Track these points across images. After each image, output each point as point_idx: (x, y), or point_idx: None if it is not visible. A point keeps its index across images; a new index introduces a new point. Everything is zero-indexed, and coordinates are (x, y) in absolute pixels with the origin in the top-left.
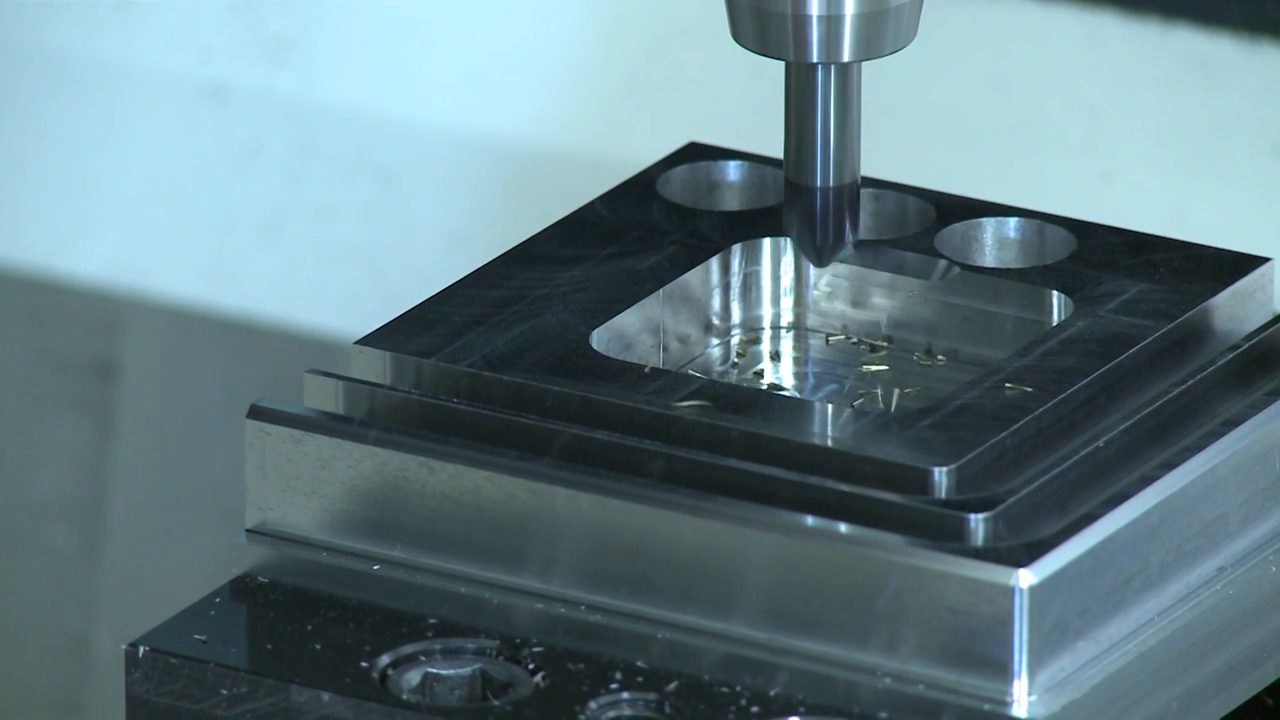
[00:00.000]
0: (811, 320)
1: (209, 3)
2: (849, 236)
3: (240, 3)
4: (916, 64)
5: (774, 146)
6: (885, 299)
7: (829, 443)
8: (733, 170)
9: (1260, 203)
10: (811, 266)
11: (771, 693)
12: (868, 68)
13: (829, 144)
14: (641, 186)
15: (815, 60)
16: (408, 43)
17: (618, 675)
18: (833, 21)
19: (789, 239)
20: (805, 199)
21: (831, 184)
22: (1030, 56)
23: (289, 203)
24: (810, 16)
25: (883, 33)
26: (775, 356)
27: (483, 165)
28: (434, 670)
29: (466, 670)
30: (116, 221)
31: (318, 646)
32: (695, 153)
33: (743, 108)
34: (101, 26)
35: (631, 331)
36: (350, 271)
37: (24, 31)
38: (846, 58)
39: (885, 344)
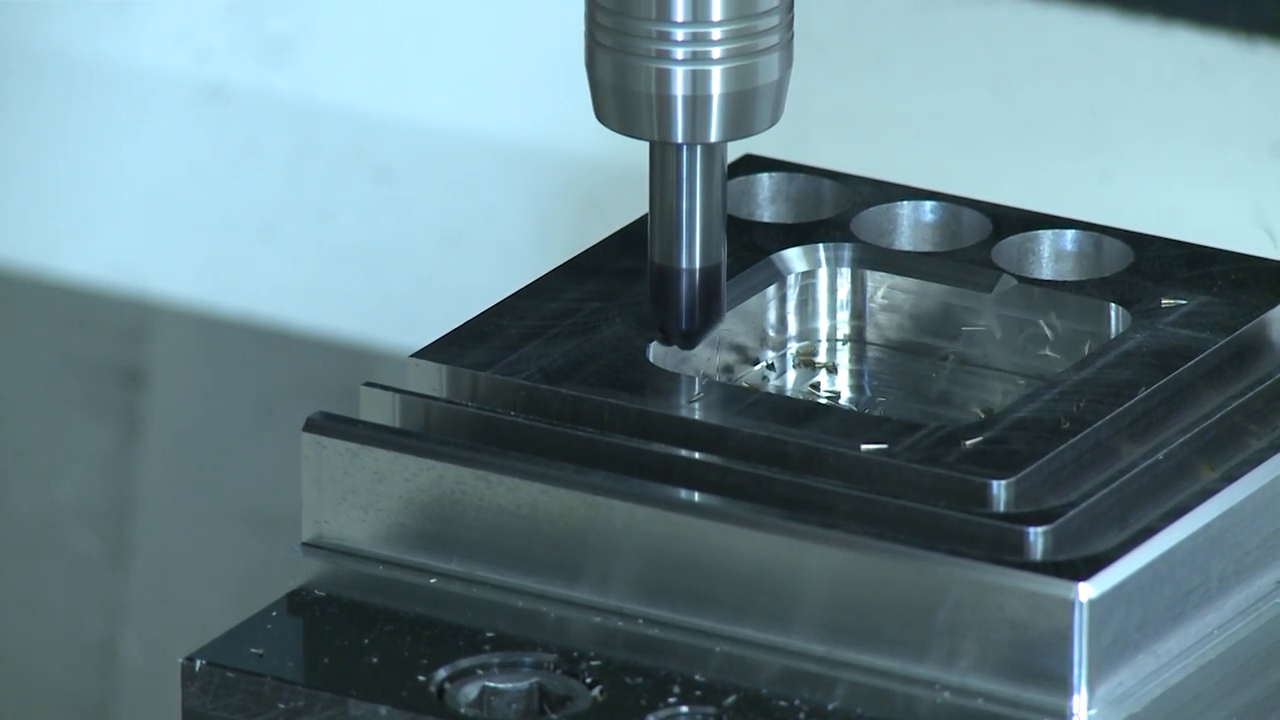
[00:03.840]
0: (869, 333)
1: (207, 3)
2: (715, 319)
3: (239, 3)
4: (915, 64)
5: (788, 150)
6: (943, 311)
7: (887, 456)
8: (788, 182)
9: (1259, 203)
10: (869, 276)
11: (830, 706)
12: (866, 67)
13: (694, 225)
14: None
15: (681, 141)
16: (406, 43)
17: (676, 689)
18: (699, 101)
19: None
20: (671, 281)
21: (698, 265)
22: (1028, 57)
23: (288, 203)
24: (675, 96)
25: (751, 112)
26: (832, 369)
27: (482, 165)
28: (491, 684)
29: (524, 684)
30: (115, 221)
31: (374, 660)
32: (750, 164)
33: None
34: (100, 27)
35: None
36: (349, 271)
37: (23, 31)
38: (714, 138)
39: (943, 357)
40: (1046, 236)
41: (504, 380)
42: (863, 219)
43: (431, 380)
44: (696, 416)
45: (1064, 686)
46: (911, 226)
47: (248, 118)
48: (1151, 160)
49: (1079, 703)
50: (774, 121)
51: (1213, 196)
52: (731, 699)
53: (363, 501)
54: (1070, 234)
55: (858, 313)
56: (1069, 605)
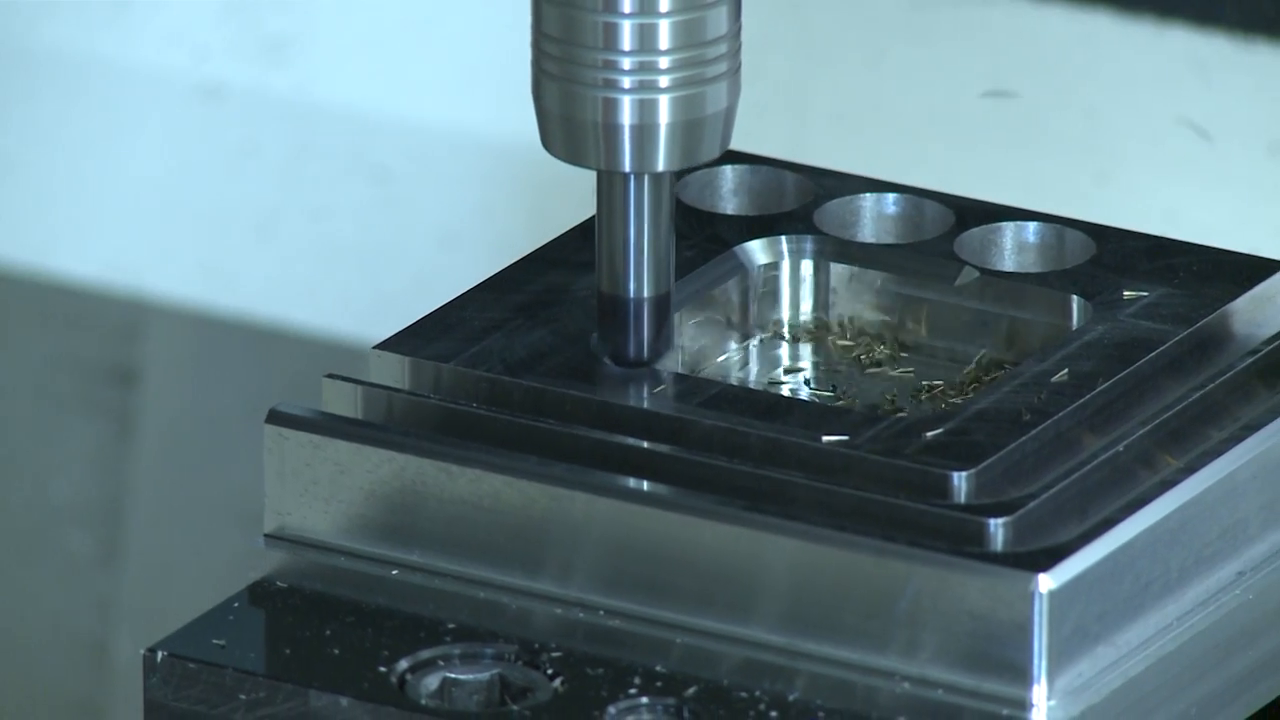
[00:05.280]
0: (831, 324)
1: (205, 3)
2: (665, 347)
3: (236, 3)
4: (912, 64)
5: (772, 147)
6: (905, 303)
7: (848, 447)
8: (751, 174)
9: (1256, 202)
10: (832, 269)
11: (790, 697)
12: (864, 66)
13: (643, 254)
14: None
15: (628, 170)
16: (404, 43)
17: (636, 680)
18: (646, 130)
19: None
20: (619, 311)
21: (646, 295)
22: (1025, 56)
23: (285, 202)
24: (622, 126)
25: (699, 141)
26: (794, 360)
27: (479, 165)
28: (452, 675)
29: (485, 675)
30: (113, 221)
31: (336, 651)
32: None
33: (741, 108)
34: (98, 26)
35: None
36: (346, 271)
37: (21, 31)
38: (661, 167)
39: (904, 348)
40: (1009, 228)
41: (466, 372)
42: (825, 211)
43: (394, 372)
44: (658, 408)
45: (1024, 677)
46: (874, 219)
47: (245, 117)
48: (1148, 160)
49: (1038, 693)
50: (723, 149)
51: (1210, 196)
52: (692, 690)
53: (325, 493)
54: (1032, 226)
55: (820, 305)
56: (1029, 596)
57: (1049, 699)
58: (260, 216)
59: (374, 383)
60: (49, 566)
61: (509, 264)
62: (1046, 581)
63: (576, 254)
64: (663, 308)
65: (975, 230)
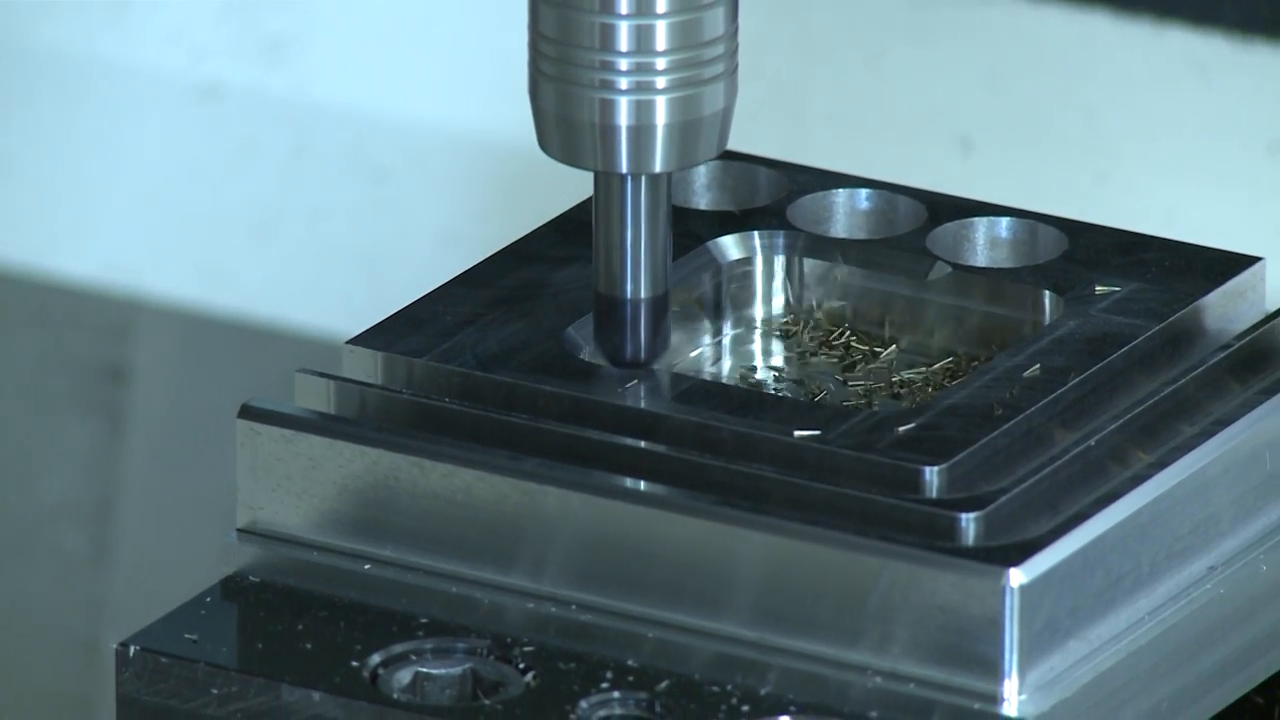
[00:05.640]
0: (803, 319)
1: (204, 3)
2: (662, 348)
3: (235, 3)
4: (911, 64)
5: (770, 147)
6: (877, 298)
7: (820, 442)
8: (724, 169)
9: (1254, 202)
10: (805, 264)
11: (762, 692)
12: (862, 65)
13: (639, 256)
14: None
15: (625, 171)
16: (402, 43)
17: (608, 674)
18: (642, 132)
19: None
20: (616, 312)
21: (643, 296)
22: (1024, 57)
23: (283, 202)
24: (619, 127)
25: (696, 141)
26: (766, 355)
27: (477, 165)
28: (425, 669)
29: (457, 669)
30: (111, 221)
31: (308, 646)
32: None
33: (739, 109)
34: (98, 26)
35: None
36: (344, 271)
37: (20, 31)
38: (658, 169)
39: (877, 343)
40: (981, 224)
41: (439, 367)
42: (799, 206)
43: (367, 367)
44: (630, 403)
45: (995, 672)
46: (847, 214)
47: (243, 117)
48: (1147, 160)
49: (1010, 688)
50: (720, 150)
51: (1208, 196)
52: (664, 684)
53: (297, 488)
54: (1005, 221)
55: (793, 300)
56: (1000, 591)
57: (1020, 693)
58: (259, 216)
59: (347, 378)
60: (39, 564)
61: (481, 259)
62: (1018, 576)
63: (549, 249)
64: (660, 308)
65: (948, 225)
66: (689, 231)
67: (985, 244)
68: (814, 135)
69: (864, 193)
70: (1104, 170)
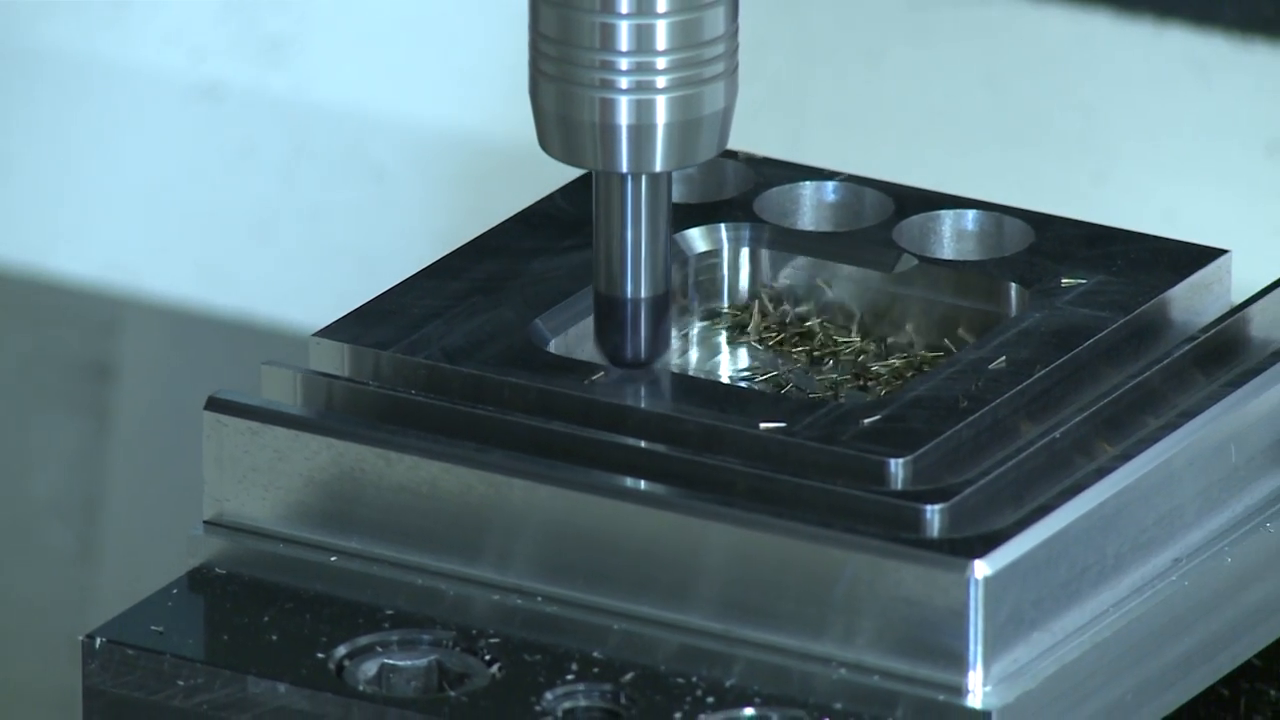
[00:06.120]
0: (769, 311)
1: (203, 3)
2: (662, 347)
3: (235, 3)
4: (910, 64)
5: (770, 147)
6: (843, 291)
7: (785, 434)
8: None
9: (1254, 202)
10: (770, 256)
11: (727, 683)
12: (862, 64)
13: (640, 255)
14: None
15: (625, 171)
16: (401, 42)
17: (574, 666)
18: (643, 131)
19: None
20: (616, 312)
21: (643, 295)
22: (1024, 56)
23: (282, 202)
24: (619, 126)
25: (696, 141)
26: (733, 348)
27: (476, 165)
28: (390, 661)
29: (423, 661)
30: (111, 221)
31: (274, 637)
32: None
33: (739, 108)
34: (97, 26)
35: (589, 324)
36: (343, 271)
37: (19, 31)
38: (658, 168)
39: (843, 335)
40: (948, 216)
41: (405, 359)
42: (765, 199)
43: (333, 359)
44: (596, 396)
45: (959, 663)
46: (814, 206)
47: (243, 117)
48: (1146, 159)
49: (974, 679)
50: (719, 150)
51: (1208, 196)
52: (629, 676)
53: (263, 480)
54: (971, 214)
55: (759, 292)
56: (964, 583)
57: (984, 685)
58: (258, 216)
59: (313, 370)
60: (27, 561)
61: (448, 251)
62: (982, 568)
63: (516, 241)
64: (660, 308)
65: (914, 218)
66: None
67: (952, 236)
68: (814, 135)
69: (830, 185)
70: (1103, 170)
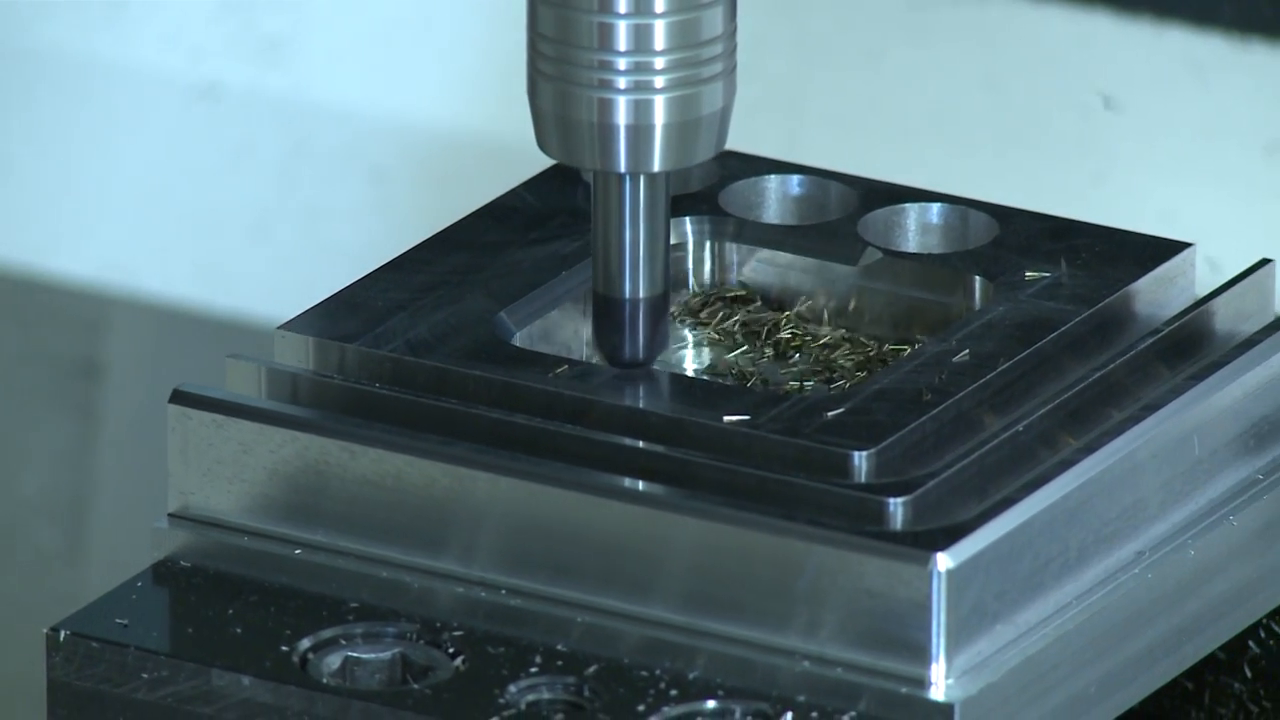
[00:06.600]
0: (734, 305)
1: (201, 3)
2: (660, 347)
3: (233, 3)
4: (909, 64)
5: (768, 147)
6: (808, 284)
7: (749, 427)
8: None
9: (1252, 202)
10: (736, 250)
11: (690, 676)
12: (861, 64)
13: (638, 255)
14: (565, 172)
15: (623, 171)
16: (399, 43)
17: (537, 659)
18: (641, 131)
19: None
20: (614, 312)
21: (642, 295)
22: (1023, 56)
23: (280, 202)
24: (617, 126)
25: (694, 141)
26: (697, 341)
27: (474, 165)
28: (354, 654)
29: (387, 654)
30: (108, 221)
31: (238, 630)
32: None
33: (737, 108)
34: (95, 26)
35: (554, 317)
36: (341, 271)
37: (17, 31)
38: (656, 168)
39: (807, 329)
40: (912, 210)
41: (370, 352)
42: (730, 192)
43: (298, 352)
44: (560, 389)
45: (923, 656)
46: (779, 200)
47: (241, 117)
48: (1145, 160)
49: (937, 672)
50: (718, 150)
51: (1207, 196)
52: (593, 669)
53: (228, 473)
54: (936, 207)
55: (724, 285)
56: (927, 575)
57: (947, 677)
58: (256, 216)
59: (278, 363)
60: (15, 560)
61: (413, 245)
62: (945, 560)
63: (481, 235)
64: (658, 308)
65: (879, 211)
66: None
67: (916, 230)
68: (812, 135)
69: (796, 179)
70: (1102, 170)
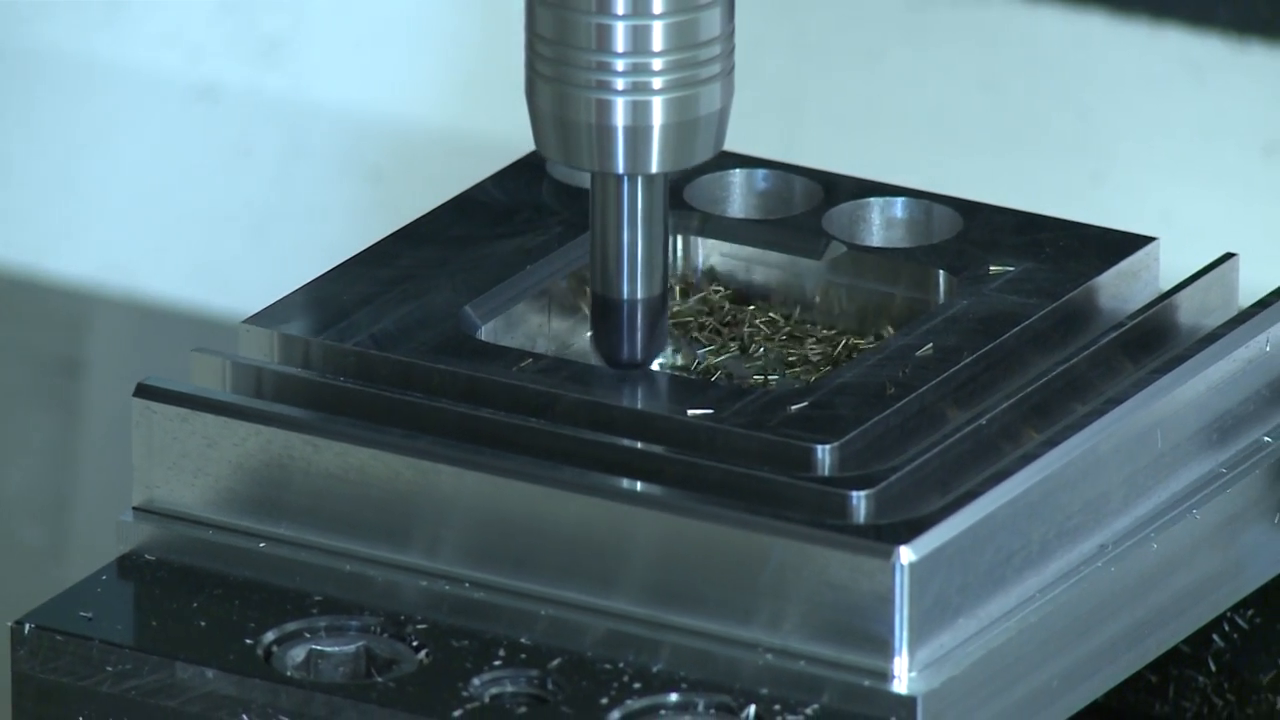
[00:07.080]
0: (698, 298)
1: (200, 3)
2: (658, 348)
3: (231, 3)
4: (908, 65)
5: (767, 147)
6: (773, 278)
7: (713, 421)
8: None
9: (1250, 203)
10: (700, 244)
11: (654, 669)
12: (859, 65)
13: (636, 256)
14: (531, 167)
15: (621, 172)
16: (397, 43)
17: (501, 652)
18: (639, 132)
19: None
20: (613, 313)
21: (640, 296)
22: (1020, 57)
23: (279, 203)
24: (615, 127)
25: (692, 142)
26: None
27: (473, 165)
28: (318, 647)
29: (351, 647)
30: (107, 221)
31: (203, 624)
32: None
33: (736, 109)
34: (94, 27)
35: (519, 311)
36: None
37: (16, 31)
38: (654, 169)
39: (771, 323)
40: (877, 204)
41: (335, 346)
42: (696, 186)
43: (263, 346)
44: (524, 383)
45: (885, 649)
46: (744, 194)
47: (239, 117)
48: (1143, 160)
49: (900, 665)
50: (716, 151)
51: (1204, 197)
52: (556, 662)
53: (193, 466)
54: (900, 201)
55: (688, 280)
56: (890, 568)
57: (910, 670)
58: (254, 217)
59: (242, 356)
60: None
61: (379, 239)
62: (907, 554)
63: (447, 229)
64: (656, 309)
65: (844, 205)
66: (584, 212)
67: (881, 224)
68: (810, 136)
69: (760, 173)
70: (1099, 171)
